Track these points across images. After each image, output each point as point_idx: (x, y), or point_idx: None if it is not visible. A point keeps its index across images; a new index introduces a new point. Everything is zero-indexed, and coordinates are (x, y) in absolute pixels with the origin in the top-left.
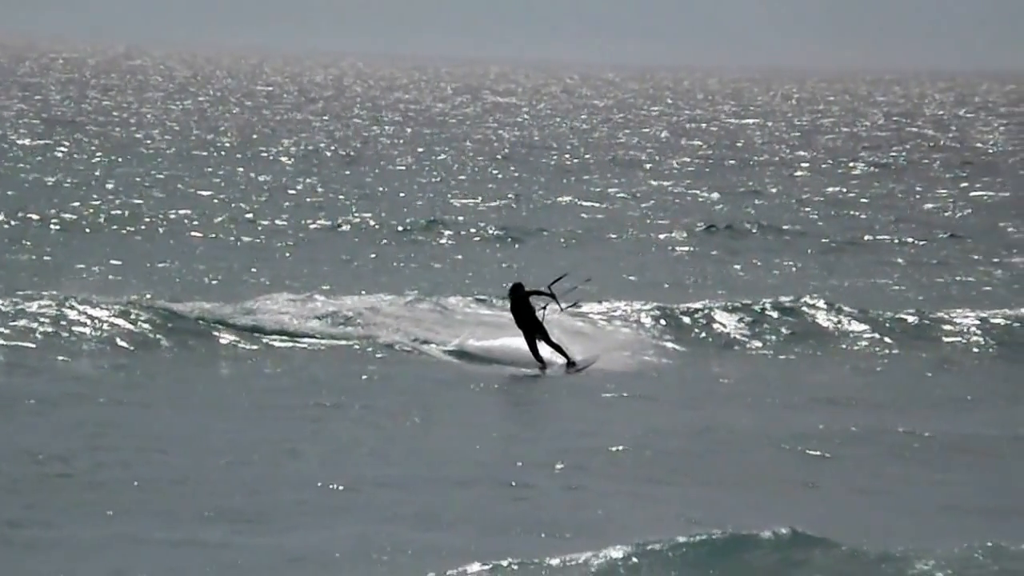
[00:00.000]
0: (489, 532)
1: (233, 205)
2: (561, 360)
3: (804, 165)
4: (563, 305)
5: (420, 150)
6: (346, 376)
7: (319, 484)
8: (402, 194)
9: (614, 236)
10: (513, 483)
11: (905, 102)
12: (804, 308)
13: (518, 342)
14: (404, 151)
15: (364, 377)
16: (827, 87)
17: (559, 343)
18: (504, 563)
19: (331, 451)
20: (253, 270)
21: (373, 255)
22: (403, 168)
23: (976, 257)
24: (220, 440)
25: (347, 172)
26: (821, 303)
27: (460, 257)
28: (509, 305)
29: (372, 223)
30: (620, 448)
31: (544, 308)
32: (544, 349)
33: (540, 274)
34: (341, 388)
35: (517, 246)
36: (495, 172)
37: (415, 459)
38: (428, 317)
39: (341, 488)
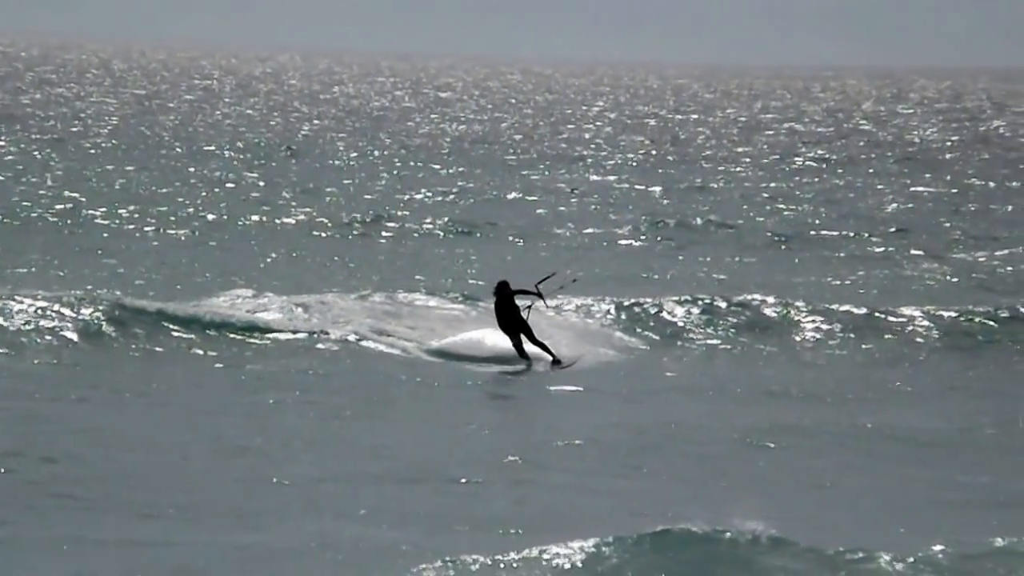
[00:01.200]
0: (437, 529)
1: (179, 200)
2: (547, 357)
3: (746, 161)
4: (550, 303)
5: (361, 144)
6: (296, 372)
7: (268, 480)
8: (346, 189)
9: (563, 231)
10: (463, 479)
11: (842, 98)
12: (755, 303)
13: (493, 338)
14: (346, 145)
15: (312, 372)
16: (765, 83)
17: (543, 342)
18: (455, 560)
19: (279, 447)
20: (197, 265)
21: (319, 250)
22: (344, 163)
23: (919, 252)
24: (167, 437)
25: (289, 166)
26: (772, 298)
27: (407, 252)
28: (494, 303)
29: (318, 218)
30: (569, 443)
31: (530, 307)
32: (529, 347)
33: (492, 270)
34: (291, 384)
35: (465, 241)
36: (437, 167)
37: (363, 455)
38: (382, 312)
39: (288, 484)
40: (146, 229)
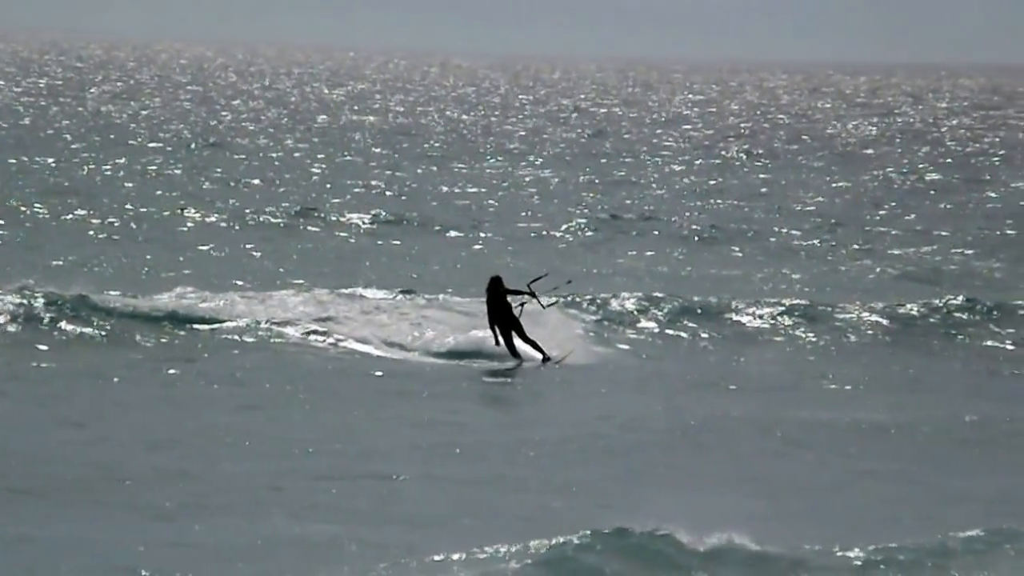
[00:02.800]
0: (365, 524)
1: (99, 192)
2: (537, 355)
3: (668, 154)
4: (545, 302)
5: (282, 136)
6: (235, 366)
7: (198, 477)
8: (271, 182)
9: (496, 224)
10: (395, 476)
11: (761, 93)
12: (694, 296)
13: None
14: (267, 138)
15: (252, 367)
16: (684, 77)
17: (533, 339)
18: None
19: (207, 442)
20: (125, 259)
21: (247, 245)
22: (268, 155)
23: (848, 246)
24: (95, 432)
25: (211, 160)
26: (710, 291)
27: (338, 246)
28: (486, 298)
29: (245, 211)
30: (509, 439)
31: (522, 305)
32: (520, 345)
33: (429, 264)
34: (224, 379)
35: (397, 234)
36: (361, 159)
37: (290, 451)
38: (323, 306)
39: (219, 480)
40: (76, 224)
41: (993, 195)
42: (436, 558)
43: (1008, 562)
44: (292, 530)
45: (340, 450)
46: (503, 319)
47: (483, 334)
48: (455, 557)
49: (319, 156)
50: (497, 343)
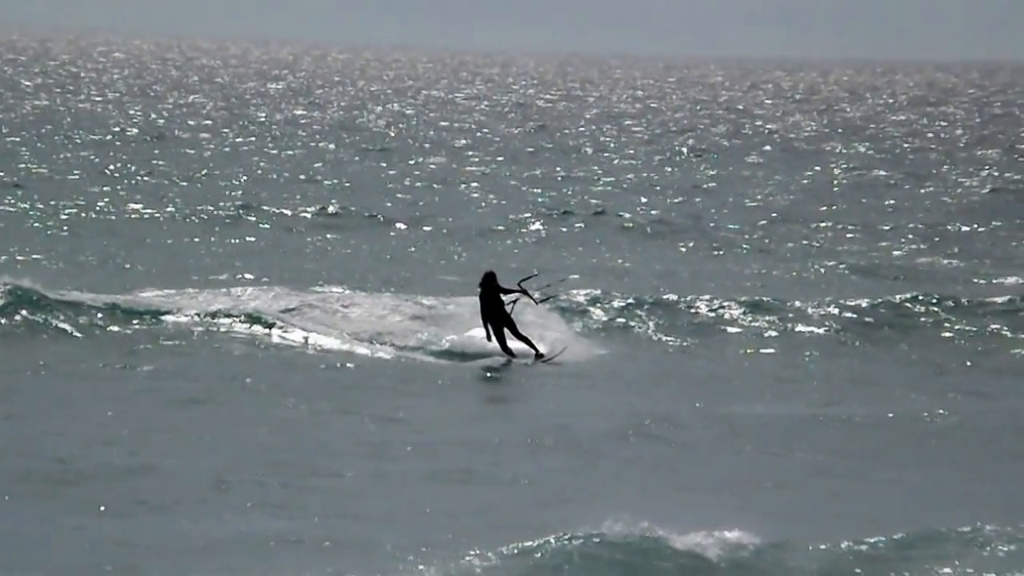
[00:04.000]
0: (314, 521)
1: (48, 189)
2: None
3: (612, 148)
4: (537, 298)
5: (225, 131)
6: (182, 361)
7: (143, 473)
8: (214, 176)
9: (445, 219)
10: (346, 473)
11: (701, 88)
12: (648, 291)
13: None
14: (210, 133)
15: (199, 362)
16: (622, 72)
17: (526, 336)
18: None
19: (153, 437)
20: (77, 254)
21: (189, 240)
22: (210, 150)
23: (796, 241)
24: (39, 427)
25: (152, 153)
26: (663, 286)
27: (278, 241)
28: (479, 294)
29: (190, 206)
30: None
31: (514, 302)
32: (512, 342)
33: (378, 258)
34: (171, 373)
35: (342, 228)
36: (304, 153)
37: (238, 446)
38: (278, 301)
39: (165, 476)
40: (10, 212)
41: (934, 190)
42: (387, 556)
43: (945, 561)
44: (239, 527)
45: (290, 446)
46: (496, 315)
47: (480, 335)
48: (408, 556)
49: (261, 149)
50: (489, 339)
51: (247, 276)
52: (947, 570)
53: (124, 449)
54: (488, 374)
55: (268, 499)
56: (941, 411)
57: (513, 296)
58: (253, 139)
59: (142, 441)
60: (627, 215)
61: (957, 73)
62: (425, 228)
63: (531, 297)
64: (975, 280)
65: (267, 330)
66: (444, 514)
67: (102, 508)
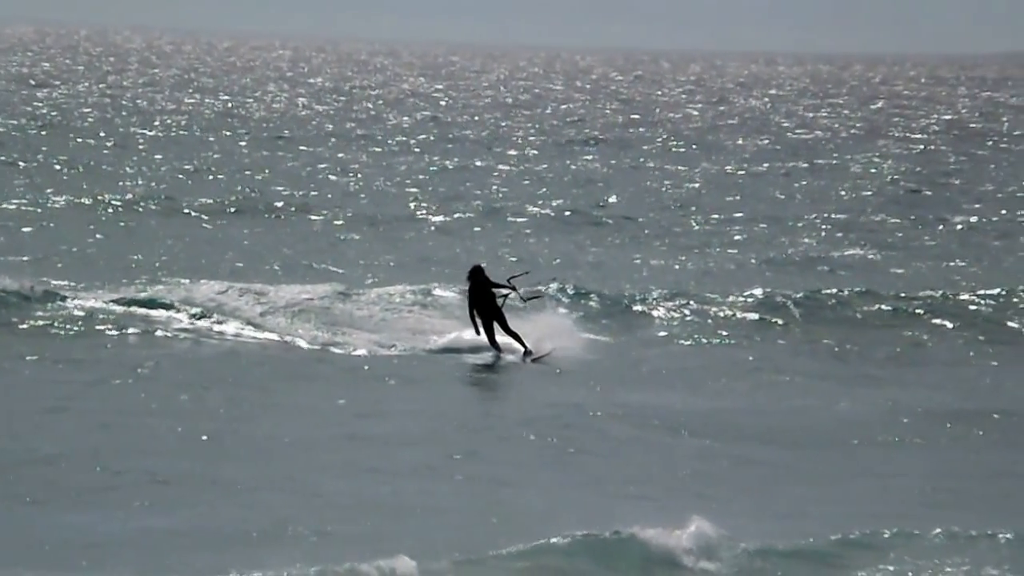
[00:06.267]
0: (269, 516)
1: None
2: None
3: (518, 141)
4: (524, 296)
5: (135, 120)
6: (115, 355)
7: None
8: (120, 167)
9: (358, 210)
10: (300, 466)
11: (598, 79)
12: (566, 284)
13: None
14: (123, 122)
15: (132, 356)
16: (528, 65)
17: (516, 332)
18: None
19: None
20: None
21: (103, 235)
22: (115, 140)
23: (717, 233)
24: None
25: (45, 144)
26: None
27: (204, 235)
28: (468, 288)
29: (100, 198)
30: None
31: (505, 296)
32: (501, 337)
33: (295, 250)
34: (98, 367)
35: (254, 221)
36: (212, 141)
37: (179, 441)
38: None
39: (100, 470)
40: None
41: (835, 181)
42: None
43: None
44: (177, 523)
45: (236, 439)
46: (485, 309)
47: (469, 334)
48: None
49: (167, 141)
50: (478, 333)
51: (172, 270)
52: (882, 565)
53: (60, 444)
54: (469, 370)
55: (210, 495)
56: (856, 401)
57: (503, 291)
58: (154, 131)
59: (78, 436)
60: (532, 206)
61: (841, 65)
62: (336, 222)
63: (519, 294)
64: (888, 270)
65: (191, 323)
66: (396, 508)
67: (34, 501)
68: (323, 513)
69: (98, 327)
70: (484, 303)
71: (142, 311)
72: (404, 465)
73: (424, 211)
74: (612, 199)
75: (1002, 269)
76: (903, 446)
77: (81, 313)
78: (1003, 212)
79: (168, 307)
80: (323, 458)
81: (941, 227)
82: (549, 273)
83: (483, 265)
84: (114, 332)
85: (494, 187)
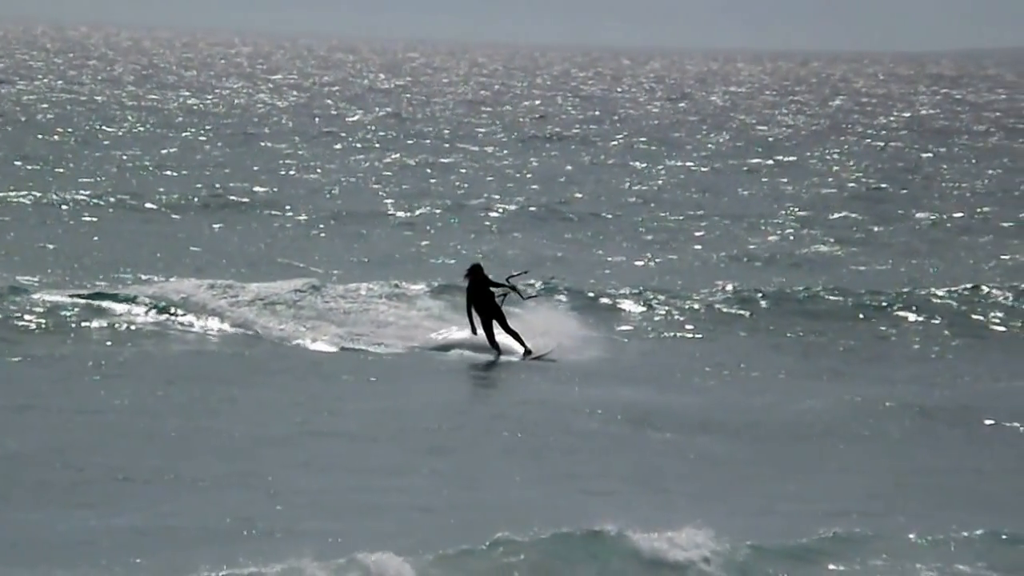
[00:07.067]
0: (230, 513)
1: None
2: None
3: (481, 136)
4: (524, 294)
5: (93, 117)
6: (89, 352)
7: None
8: (78, 163)
9: (322, 206)
10: (268, 463)
11: (558, 76)
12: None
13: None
14: (84, 120)
15: (103, 353)
16: (488, 61)
17: (515, 331)
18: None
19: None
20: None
21: (65, 232)
22: (74, 136)
23: (683, 229)
24: None
25: (21, 143)
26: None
27: (167, 231)
28: (467, 285)
29: (56, 195)
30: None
31: (505, 295)
32: (500, 336)
33: (259, 246)
34: (72, 364)
35: (222, 216)
36: (173, 138)
37: (148, 439)
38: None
39: (70, 468)
40: None
41: (801, 177)
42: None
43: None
44: (141, 521)
45: (202, 435)
46: (485, 308)
47: (466, 332)
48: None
49: (129, 138)
50: (474, 332)
51: (120, 263)
52: (857, 563)
53: (30, 441)
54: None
55: (179, 493)
56: (821, 396)
57: (502, 290)
58: (105, 126)
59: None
60: (492, 202)
61: (799, 62)
62: (301, 217)
63: (518, 293)
64: (852, 266)
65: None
66: (364, 505)
67: (3, 501)
68: (290, 510)
69: (61, 323)
70: (483, 302)
71: (106, 306)
72: (373, 461)
73: (390, 207)
74: (577, 195)
75: (965, 265)
76: (869, 440)
77: (44, 309)
78: (965, 209)
79: (133, 302)
80: (290, 454)
81: (904, 223)
82: (547, 272)
83: (481, 263)
84: (78, 328)
85: (458, 183)
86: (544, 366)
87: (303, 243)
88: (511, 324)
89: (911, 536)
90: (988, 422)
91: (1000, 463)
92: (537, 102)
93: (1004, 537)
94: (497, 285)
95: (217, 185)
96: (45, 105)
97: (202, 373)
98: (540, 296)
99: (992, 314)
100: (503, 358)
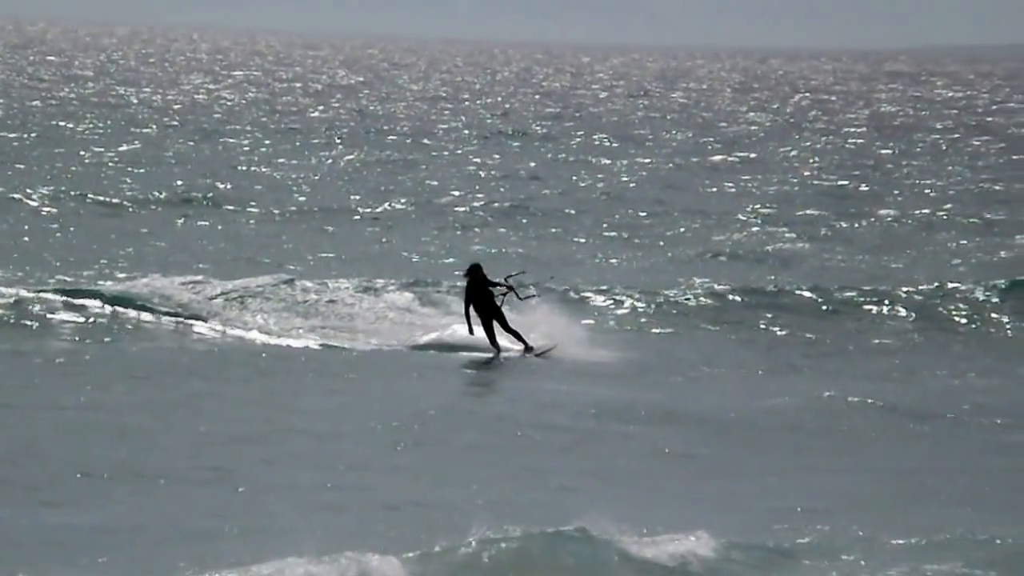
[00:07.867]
0: (204, 514)
1: None
2: (518, 346)
3: (443, 134)
4: (522, 295)
5: (53, 113)
6: (72, 351)
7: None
8: (44, 161)
9: (288, 203)
10: (239, 463)
11: (519, 73)
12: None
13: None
14: (44, 116)
15: (84, 352)
16: (446, 58)
17: (515, 329)
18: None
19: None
20: None
21: (28, 228)
22: (37, 133)
23: (669, 231)
24: None
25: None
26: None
27: (132, 227)
28: (465, 285)
29: (26, 193)
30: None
31: (504, 295)
32: (500, 335)
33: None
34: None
35: (192, 212)
36: (136, 133)
37: (130, 438)
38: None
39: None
40: None
41: (765, 174)
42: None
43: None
44: (105, 520)
45: (168, 433)
46: (485, 307)
47: (463, 330)
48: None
49: (91, 134)
50: (471, 331)
51: (84, 259)
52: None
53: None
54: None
55: (155, 492)
56: (790, 393)
57: (501, 289)
58: (66, 123)
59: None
60: (458, 199)
61: (758, 59)
62: (276, 214)
63: (516, 293)
64: (818, 263)
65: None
66: (333, 503)
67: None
68: (259, 508)
69: (24, 319)
70: (483, 302)
71: (71, 302)
72: (340, 458)
73: (356, 204)
74: (544, 192)
75: (929, 261)
76: (835, 436)
77: (7, 304)
78: (927, 205)
79: (97, 298)
80: (258, 451)
81: (868, 220)
82: (547, 272)
83: (480, 262)
84: (42, 324)
85: (424, 180)
86: (514, 363)
87: (270, 239)
88: (510, 323)
89: (881, 534)
90: (950, 416)
91: (963, 460)
92: (498, 99)
93: (982, 538)
94: (497, 285)
95: (180, 182)
96: (2, 100)
97: (168, 369)
98: (538, 296)
99: (956, 310)
100: (503, 356)
